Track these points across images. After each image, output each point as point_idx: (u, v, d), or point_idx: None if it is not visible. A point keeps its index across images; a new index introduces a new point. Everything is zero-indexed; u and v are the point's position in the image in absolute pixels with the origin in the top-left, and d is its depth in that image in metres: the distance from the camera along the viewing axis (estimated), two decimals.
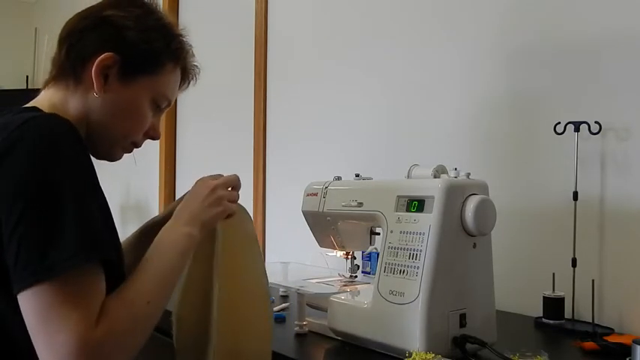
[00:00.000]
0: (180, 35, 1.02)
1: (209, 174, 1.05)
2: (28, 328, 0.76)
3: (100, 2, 0.98)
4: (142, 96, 0.97)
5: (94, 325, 0.76)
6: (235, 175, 1.05)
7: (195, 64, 1.06)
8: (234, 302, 1.00)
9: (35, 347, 0.76)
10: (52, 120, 0.84)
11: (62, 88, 0.95)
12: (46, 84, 0.98)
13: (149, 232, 1.05)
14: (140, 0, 0.99)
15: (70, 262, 0.75)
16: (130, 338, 0.81)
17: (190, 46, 1.04)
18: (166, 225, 0.96)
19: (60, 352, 0.74)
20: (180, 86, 1.06)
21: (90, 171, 0.84)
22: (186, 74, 1.05)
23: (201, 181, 1.03)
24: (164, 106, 1.02)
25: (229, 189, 1.03)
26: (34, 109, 0.91)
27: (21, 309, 0.76)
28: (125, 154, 1.04)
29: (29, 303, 0.76)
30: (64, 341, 0.74)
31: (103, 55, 0.92)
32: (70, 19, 0.97)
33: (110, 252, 0.82)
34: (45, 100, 0.95)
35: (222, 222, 1.01)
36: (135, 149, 1.04)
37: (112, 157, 1.02)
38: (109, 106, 0.94)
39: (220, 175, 1.04)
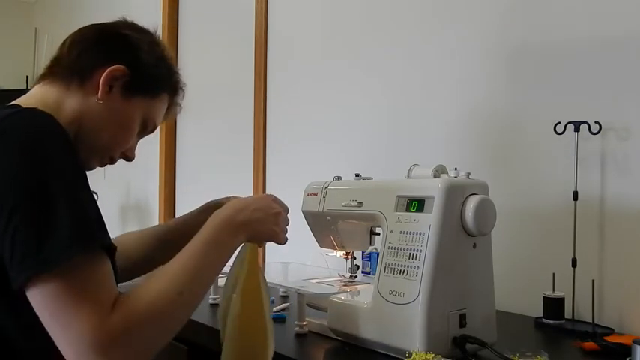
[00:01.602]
0: (179, 73, 1.08)
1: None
2: (43, 322, 0.76)
3: (115, 22, 1.03)
4: (136, 114, 1.00)
5: (108, 312, 0.75)
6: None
7: (179, 102, 1.11)
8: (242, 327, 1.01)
9: (53, 339, 0.75)
10: (34, 113, 0.85)
11: (61, 87, 0.96)
12: (40, 79, 0.98)
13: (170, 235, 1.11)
14: (149, 30, 1.04)
15: (67, 251, 0.75)
16: (152, 329, 0.79)
17: (184, 84, 1.10)
18: (219, 216, 0.96)
19: (78, 346, 0.73)
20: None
21: (76, 161, 0.84)
22: (170, 110, 1.10)
23: (273, 199, 1.04)
24: (149, 129, 1.06)
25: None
26: (15, 105, 0.91)
27: (32, 304, 0.76)
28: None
29: (37, 297, 0.75)
30: (79, 332, 0.73)
31: (115, 66, 0.95)
32: (86, 27, 1.01)
33: (107, 239, 0.82)
34: (34, 97, 0.96)
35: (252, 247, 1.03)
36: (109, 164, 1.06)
37: (88, 166, 1.01)
38: (105, 114, 0.96)
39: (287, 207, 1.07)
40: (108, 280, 0.79)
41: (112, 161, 1.04)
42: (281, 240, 1.04)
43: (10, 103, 0.94)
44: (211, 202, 1.17)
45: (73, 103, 0.95)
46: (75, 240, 0.76)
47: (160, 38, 1.07)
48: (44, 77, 0.98)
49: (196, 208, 1.18)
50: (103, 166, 1.04)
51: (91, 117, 0.96)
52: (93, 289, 0.76)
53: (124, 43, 0.98)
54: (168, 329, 0.82)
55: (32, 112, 0.86)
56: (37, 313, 0.76)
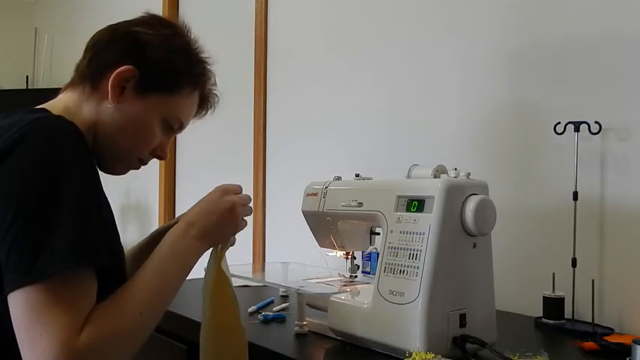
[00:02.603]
0: (205, 62, 1.03)
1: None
2: (15, 330, 0.75)
3: (132, 19, 0.99)
4: (153, 113, 0.97)
5: (77, 332, 0.75)
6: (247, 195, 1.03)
7: (215, 92, 1.06)
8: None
9: (20, 350, 0.75)
10: (56, 122, 0.85)
11: (78, 93, 0.96)
12: (65, 87, 0.99)
13: (155, 242, 1.04)
14: (171, 22, 1.01)
15: (60, 265, 0.75)
16: (115, 349, 0.80)
17: (213, 74, 1.04)
18: (173, 232, 0.94)
19: (40, 358, 0.73)
20: (197, 113, 1.06)
21: (90, 173, 0.84)
22: (205, 102, 1.06)
23: (222, 192, 1.00)
24: (176, 127, 1.02)
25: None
26: (44, 110, 0.92)
27: (10, 310, 0.76)
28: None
29: (16, 305, 0.75)
30: (45, 347, 0.73)
31: (123, 67, 0.93)
32: (100, 29, 0.99)
33: (104, 258, 0.81)
34: (60, 102, 0.96)
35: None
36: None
37: (115, 171, 1.01)
38: (119, 117, 0.95)
39: (239, 188, 1.02)
40: (89, 300, 0.79)
41: (142, 162, 1.02)
42: (242, 227, 1.00)
43: (39, 107, 0.94)
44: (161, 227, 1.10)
45: (89, 108, 0.95)
46: (71, 254, 0.76)
47: (186, 29, 1.01)
48: (70, 83, 0.98)
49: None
50: (134, 168, 1.02)
51: (106, 121, 0.95)
52: (73, 305, 0.76)
53: (132, 42, 0.95)
54: (130, 347, 0.83)
55: (55, 119, 0.86)
56: (12, 317, 0.75)
